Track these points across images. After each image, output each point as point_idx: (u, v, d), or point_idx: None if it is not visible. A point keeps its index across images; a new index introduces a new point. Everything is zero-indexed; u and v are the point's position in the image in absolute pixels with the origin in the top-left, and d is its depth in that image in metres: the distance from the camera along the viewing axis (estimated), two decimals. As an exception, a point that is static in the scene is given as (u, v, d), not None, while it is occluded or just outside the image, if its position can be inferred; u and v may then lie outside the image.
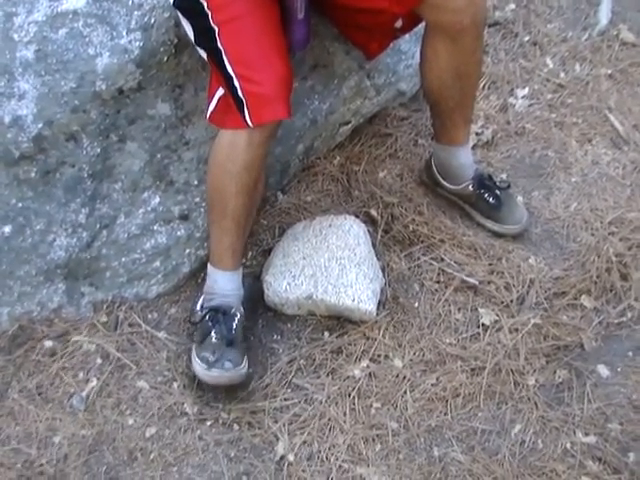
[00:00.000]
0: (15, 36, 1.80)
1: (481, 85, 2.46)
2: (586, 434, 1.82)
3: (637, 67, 2.57)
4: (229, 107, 1.74)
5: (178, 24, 1.84)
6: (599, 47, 2.62)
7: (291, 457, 1.78)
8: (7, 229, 1.89)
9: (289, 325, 2.00)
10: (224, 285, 1.90)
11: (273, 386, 1.89)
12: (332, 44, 2.14)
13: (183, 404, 1.86)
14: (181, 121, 1.99)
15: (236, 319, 1.86)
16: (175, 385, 1.89)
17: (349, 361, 1.93)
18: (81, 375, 1.90)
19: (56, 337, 1.95)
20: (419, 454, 1.80)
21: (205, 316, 1.87)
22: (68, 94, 1.81)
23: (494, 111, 2.45)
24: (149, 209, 2.01)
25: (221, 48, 1.71)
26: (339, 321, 2.00)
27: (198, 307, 1.93)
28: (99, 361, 1.92)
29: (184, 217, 2.05)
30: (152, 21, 1.84)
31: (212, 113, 1.82)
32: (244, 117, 1.71)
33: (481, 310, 2.02)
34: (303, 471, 1.77)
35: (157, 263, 2.04)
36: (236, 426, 1.84)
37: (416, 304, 2.04)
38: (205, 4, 1.71)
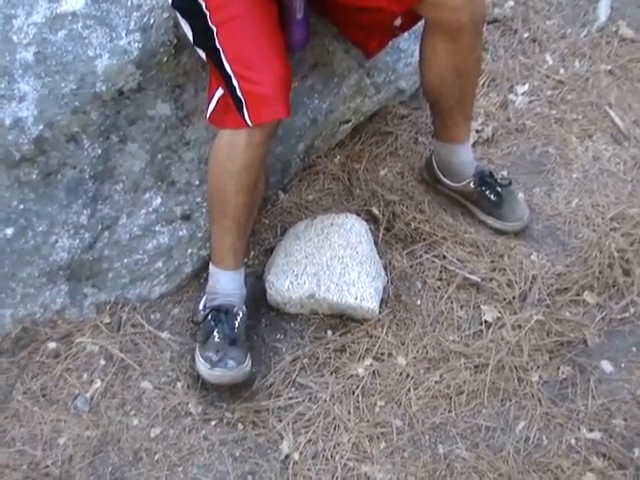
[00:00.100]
0: (15, 38, 1.80)
1: (481, 82, 2.46)
2: (590, 430, 1.82)
3: (636, 63, 2.57)
4: (228, 107, 1.74)
5: (177, 25, 1.84)
6: (598, 43, 2.62)
7: (296, 456, 1.79)
8: (9, 231, 1.89)
9: (292, 324, 2.01)
10: (226, 285, 1.90)
11: (277, 385, 1.89)
12: (332, 43, 2.14)
13: (187, 404, 1.86)
14: (181, 121, 1.99)
15: (238, 318, 1.86)
16: (179, 385, 1.89)
17: (352, 359, 1.93)
18: (85, 376, 1.90)
19: (59, 339, 1.95)
20: (424, 452, 1.80)
21: (207, 316, 1.87)
22: (68, 95, 1.82)
23: (494, 108, 2.45)
24: (151, 210, 2.01)
25: (220, 48, 1.71)
26: (342, 320, 2.00)
27: (201, 307, 1.93)
28: (103, 362, 1.92)
29: (186, 217, 2.05)
30: (151, 22, 1.84)
31: (212, 113, 1.82)
32: (243, 117, 1.71)
33: (484, 307, 2.02)
34: (308, 470, 1.77)
35: (159, 263, 2.04)
36: (241, 425, 1.84)
37: (418, 302, 2.04)
38: (203, 4, 1.71)
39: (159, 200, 2.01)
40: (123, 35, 1.83)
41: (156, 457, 1.79)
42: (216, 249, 1.91)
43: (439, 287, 2.06)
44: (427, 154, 2.27)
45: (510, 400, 1.87)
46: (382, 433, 1.82)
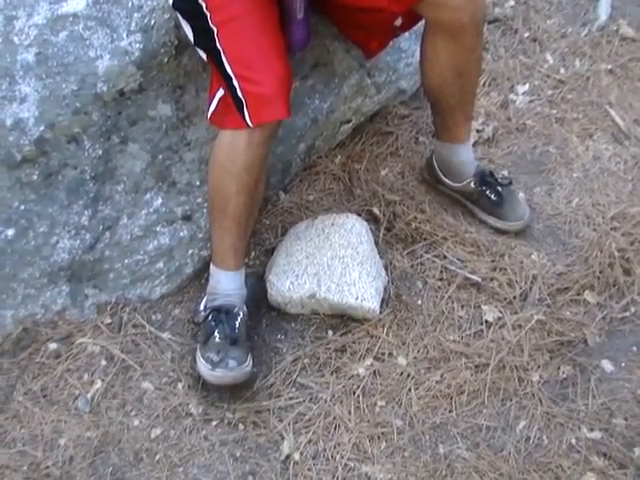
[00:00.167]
0: (16, 39, 1.80)
1: (481, 82, 2.46)
2: (591, 429, 1.82)
3: (637, 62, 2.57)
4: (229, 107, 1.74)
5: (178, 25, 1.85)
6: (599, 42, 2.62)
7: (297, 456, 1.79)
8: (10, 232, 1.89)
9: (293, 324, 2.01)
10: (227, 285, 1.90)
11: (278, 385, 1.89)
12: (332, 43, 2.14)
13: (188, 405, 1.86)
14: (182, 122, 1.99)
15: (239, 318, 1.87)
16: (180, 386, 1.90)
17: (353, 359, 1.93)
18: (86, 377, 1.90)
19: (60, 339, 1.95)
20: (424, 451, 1.80)
21: (208, 316, 1.87)
22: (69, 96, 1.82)
23: (495, 108, 2.45)
24: (152, 210, 2.01)
25: (220, 48, 1.71)
26: (343, 319, 2.00)
27: (201, 307, 1.93)
28: (104, 363, 1.92)
29: (187, 218, 2.05)
30: (152, 23, 1.85)
31: (212, 114, 1.82)
32: (244, 117, 1.71)
33: (484, 307, 2.02)
34: (309, 470, 1.77)
35: (160, 264, 2.04)
36: (241, 426, 1.84)
37: (419, 302, 2.04)
38: (204, 5, 1.71)
39: (160, 201, 2.02)
40: (124, 36, 1.83)
41: (157, 457, 1.79)
42: (216, 249, 1.91)
43: (440, 287, 2.07)
44: (428, 154, 2.27)
45: (511, 400, 1.88)
46: (383, 433, 1.82)
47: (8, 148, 1.82)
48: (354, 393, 1.88)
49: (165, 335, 1.98)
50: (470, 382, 1.89)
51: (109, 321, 1.99)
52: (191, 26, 1.78)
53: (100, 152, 1.91)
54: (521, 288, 2.05)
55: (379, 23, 1.94)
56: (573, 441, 1.80)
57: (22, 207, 1.89)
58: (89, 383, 1.89)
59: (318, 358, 1.94)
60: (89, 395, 1.87)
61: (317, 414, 1.84)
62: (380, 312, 1.99)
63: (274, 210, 2.20)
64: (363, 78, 2.25)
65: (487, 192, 2.16)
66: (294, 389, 1.89)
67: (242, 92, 1.70)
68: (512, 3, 2.72)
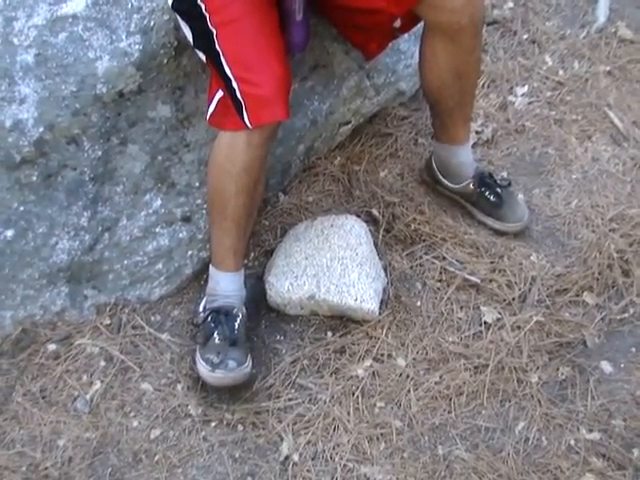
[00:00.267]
0: (15, 40, 1.80)
1: (480, 83, 2.46)
2: (590, 430, 1.82)
3: (636, 64, 2.57)
4: (228, 109, 1.74)
5: (177, 27, 1.85)
6: (597, 44, 2.62)
7: (296, 457, 1.79)
8: (9, 233, 1.89)
9: (292, 325, 2.01)
10: (226, 286, 1.90)
11: (277, 386, 1.89)
12: (331, 44, 2.14)
13: (187, 405, 1.86)
14: (182, 123, 1.99)
15: (238, 319, 1.87)
16: (179, 387, 1.90)
17: (352, 361, 1.93)
18: (85, 378, 1.90)
19: (59, 340, 1.95)
20: (423, 452, 1.81)
21: (207, 317, 1.87)
22: (69, 98, 1.82)
23: (494, 109, 2.45)
24: (151, 211, 2.01)
25: (219, 50, 1.72)
26: (342, 321, 2.00)
27: (200, 309, 1.93)
28: (103, 364, 1.92)
29: (186, 219, 2.05)
30: (151, 24, 1.85)
31: (212, 115, 1.82)
32: (243, 118, 1.71)
33: (483, 308, 2.03)
34: (308, 471, 1.77)
35: (159, 265, 2.04)
36: (240, 427, 1.84)
37: (418, 303, 2.04)
38: (203, 6, 1.71)
39: (159, 202, 2.02)
40: (123, 37, 1.83)
41: (156, 458, 1.79)
42: (216, 250, 1.91)
43: (439, 288, 2.07)
44: (427, 155, 2.28)
45: (510, 401, 1.88)
46: (382, 434, 1.82)
47: (7, 149, 1.82)
48: (353, 394, 1.88)
49: (164, 336, 1.98)
50: (469, 383, 1.89)
51: (108, 322, 1.99)
52: (190, 27, 1.78)
53: (99, 153, 1.91)
54: (520, 289, 2.05)
55: (378, 25, 1.94)
56: (572, 442, 1.80)
57: (21, 208, 1.89)
58: (88, 384, 1.89)
59: (317, 359, 1.94)
60: (88, 396, 1.87)
61: (316, 415, 1.84)
62: (379, 313, 1.99)
63: (273, 211, 2.20)
64: (362, 80, 2.25)
65: (486, 193, 2.16)
66: (293, 390, 1.89)
67: (241, 93, 1.71)
68: (511, 5, 2.72)
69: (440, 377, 1.91)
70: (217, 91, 1.79)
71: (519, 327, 1.98)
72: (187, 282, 2.08)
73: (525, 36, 2.65)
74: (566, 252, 2.14)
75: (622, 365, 1.94)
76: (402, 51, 2.31)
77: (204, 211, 2.04)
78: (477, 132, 2.38)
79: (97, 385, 1.89)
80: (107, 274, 2.01)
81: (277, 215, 2.19)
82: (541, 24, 2.67)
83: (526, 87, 2.51)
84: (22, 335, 1.95)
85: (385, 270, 2.07)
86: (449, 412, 1.86)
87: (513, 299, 2.03)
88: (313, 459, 1.78)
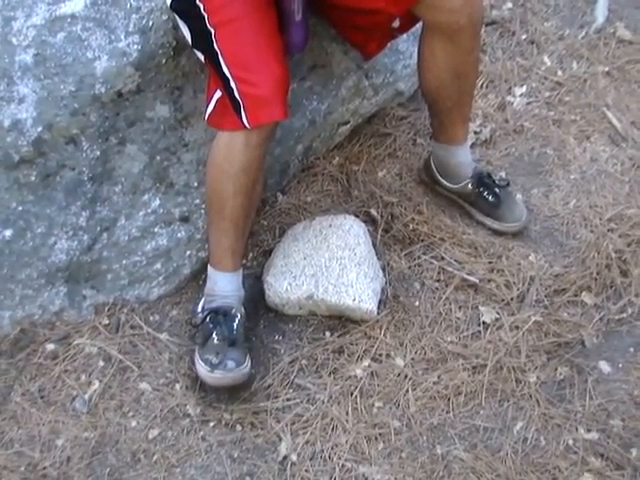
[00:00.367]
0: (14, 40, 1.80)
1: (479, 84, 2.46)
2: (588, 430, 1.82)
3: (634, 64, 2.57)
4: (226, 109, 1.74)
5: (176, 27, 1.85)
6: (596, 45, 2.62)
7: (294, 457, 1.79)
8: (8, 233, 1.89)
9: (290, 325, 2.01)
10: (224, 286, 1.90)
11: (275, 386, 1.89)
12: (330, 44, 2.14)
13: (186, 405, 1.86)
14: (180, 123, 1.99)
15: (237, 319, 1.87)
16: (177, 387, 1.90)
17: (351, 360, 1.94)
18: (83, 378, 1.90)
19: (58, 340, 1.95)
20: (422, 452, 1.81)
21: (206, 318, 1.87)
22: (67, 97, 1.82)
23: (492, 109, 2.45)
24: (149, 211, 2.01)
25: (218, 50, 1.72)
26: (340, 321, 2.00)
27: (199, 309, 1.93)
28: (101, 363, 1.92)
29: (184, 219, 2.05)
30: (150, 24, 1.85)
31: (210, 115, 1.82)
32: (241, 119, 1.71)
33: (482, 308, 2.03)
34: (306, 471, 1.77)
35: (158, 265, 2.04)
36: (239, 427, 1.84)
37: (417, 303, 2.04)
38: (202, 6, 1.71)
39: (158, 202, 2.02)
40: (122, 37, 1.83)
41: (154, 458, 1.79)
42: (214, 251, 1.91)
43: (437, 288, 2.07)
44: (425, 155, 2.28)
45: (508, 401, 1.88)
46: (380, 434, 1.82)
47: (6, 149, 1.82)
48: (352, 394, 1.88)
49: (163, 336, 1.98)
50: (467, 383, 1.89)
51: (107, 322, 1.99)
52: (189, 27, 1.78)
53: (98, 153, 1.91)
54: (518, 289, 2.05)
55: (377, 25, 1.94)
56: (570, 442, 1.81)
57: (20, 208, 1.89)
58: (87, 384, 1.89)
59: (316, 359, 1.94)
60: (86, 396, 1.87)
61: (315, 415, 1.85)
62: (378, 313, 1.99)
63: (272, 211, 2.20)
64: (361, 80, 2.25)
65: (485, 193, 2.16)
66: (292, 390, 1.89)
67: (239, 93, 1.71)
68: (510, 5, 2.73)
69: (438, 377, 1.91)
70: (215, 91, 1.79)
71: (517, 327, 1.98)
72: (185, 282, 2.08)
73: (524, 36, 2.65)
74: (564, 252, 2.14)
75: (620, 365, 1.94)
76: (401, 51, 2.31)
77: (202, 211, 2.04)
78: (476, 132, 2.38)
79: (95, 385, 1.89)
80: (106, 274, 2.01)
81: (276, 215, 2.19)
82: (540, 24, 2.67)
83: (525, 87, 2.52)
84: (21, 335, 1.95)
85: (383, 270, 2.07)
86: (447, 412, 1.86)
87: (511, 299, 2.04)
88: (311, 459, 1.78)
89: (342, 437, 1.81)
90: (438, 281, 2.08)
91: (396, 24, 1.95)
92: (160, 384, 1.90)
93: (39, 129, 1.82)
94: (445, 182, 2.20)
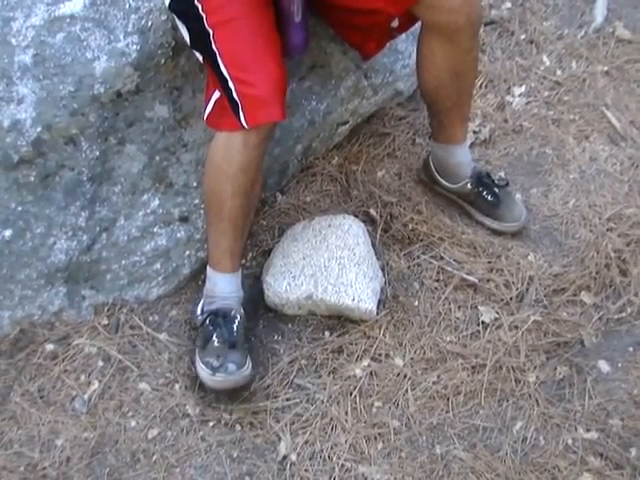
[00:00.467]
0: (13, 40, 1.80)
1: (478, 83, 2.46)
2: (587, 430, 1.82)
3: (633, 64, 2.57)
4: (225, 109, 1.74)
5: (175, 27, 1.85)
6: (595, 44, 2.62)
7: (293, 457, 1.79)
8: (7, 233, 1.89)
9: (290, 325, 2.01)
10: (223, 288, 1.90)
11: (275, 386, 1.89)
12: (329, 44, 2.14)
13: (185, 405, 1.87)
14: (179, 123, 1.99)
15: (237, 321, 1.87)
16: (177, 387, 1.90)
17: (350, 360, 1.94)
18: (83, 378, 1.90)
19: (57, 340, 1.95)
20: (421, 452, 1.81)
21: (205, 320, 1.87)
22: (66, 98, 1.82)
23: (491, 109, 2.45)
24: (149, 211, 2.01)
25: (216, 51, 1.72)
26: (340, 321, 2.00)
27: (198, 311, 1.93)
28: (101, 364, 1.92)
29: (184, 219, 2.05)
30: (149, 24, 1.85)
31: (209, 115, 1.82)
32: (239, 119, 1.71)
33: (481, 308, 2.03)
34: (306, 471, 1.77)
35: (157, 265, 2.04)
36: (238, 427, 1.84)
37: (416, 303, 2.04)
38: (200, 7, 1.71)
39: (157, 202, 2.02)
40: (121, 37, 1.84)
41: (154, 458, 1.79)
42: (213, 252, 1.91)
43: (436, 288, 2.07)
44: (424, 155, 2.28)
45: (507, 400, 1.88)
46: (379, 434, 1.83)
47: (5, 149, 1.82)
48: (351, 394, 1.88)
49: (162, 336, 1.98)
50: (467, 383, 1.89)
51: (106, 322, 1.99)
52: (187, 28, 1.78)
53: (97, 153, 1.91)
54: (518, 289, 2.05)
55: (376, 25, 1.94)
56: (570, 441, 1.81)
57: (19, 208, 1.89)
58: (86, 384, 1.89)
59: (315, 359, 1.94)
60: (86, 396, 1.87)
61: (314, 415, 1.85)
62: (377, 313, 1.99)
63: (271, 211, 2.20)
64: (360, 80, 2.25)
65: (484, 193, 2.16)
66: (291, 390, 1.89)
67: (237, 94, 1.71)
68: (509, 5, 2.73)
69: (438, 377, 1.91)
70: (214, 91, 1.79)
71: (517, 327, 1.98)
72: (185, 282, 2.08)
73: (523, 36, 2.65)
74: (564, 252, 2.14)
75: (620, 364, 1.94)
76: (400, 51, 2.31)
77: (202, 211, 2.04)
78: (475, 132, 2.38)
79: (95, 385, 1.89)
80: (105, 274, 2.01)
81: (275, 215, 2.19)
82: (539, 24, 2.67)
83: (524, 87, 2.52)
84: (20, 335, 1.95)
85: (383, 270, 2.07)
86: (447, 412, 1.86)
87: (511, 299, 2.04)
88: (311, 459, 1.79)
89: (341, 437, 1.82)
90: (437, 281, 2.08)
91: (395, 24, 1.95)
92: (159, 384, 1.90)
93: (38, 129, 1.82)
94: (444, 182, 2.20)
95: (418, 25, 1.99)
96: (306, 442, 1.81)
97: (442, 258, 2.11)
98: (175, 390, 1.89)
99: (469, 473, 1.76)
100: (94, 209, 1.96)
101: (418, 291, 2.06)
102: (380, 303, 2.01)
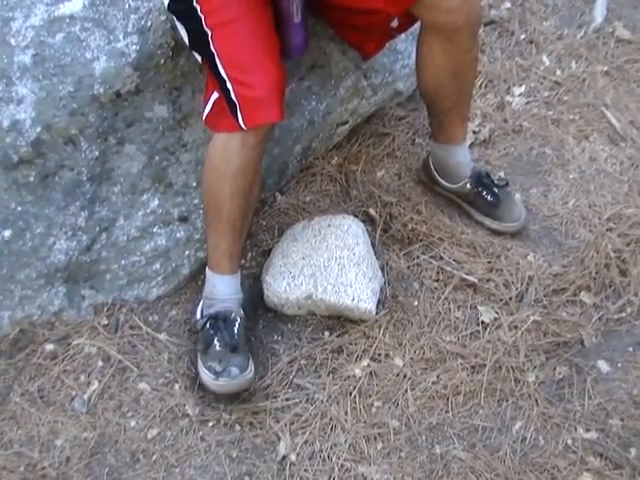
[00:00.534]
0: (12, 41, 1.80)
1: (478, 83, 2.46)
2: (587, 430, 1.82)
3: (633, 64, 2.57)
4: (223, 110, 1.74)
5: (174, 27, 1.85)
6: (595, 44, 2.62)
7: (293, 457, 1.79)
8: (7, 233, 1.89)
9: (289, 325, 2.01)
10: (223, 290, 1.90)
11: (274, 386, 1.90)
12: (329, 45, 2.14)
13: (185, 405, 1.87)
14: (179, 123, 1.99)
15: (237, 324, 1.86)
16: (176, 387, 1.90)
17: (350, 360, 1.94)
18: (82, 378, 1.90)
19: (57, 340, 1.96)
20: (421, 452, 1.81)
21: (206, 324, 1.87)
22: (66, 98, 1.82)
23: (491, 109, 2.45)
24: (148, 211, 2.01)
25: (214, 52, 1.72)
26: (339, 321, 2.00)
27: (198, 314, 1.93)
28: (100, 364, 1.92)
29: (183, 219, 2.05)
30: (149, 24, 1.85)
31: (207, 116, 1.82)
32: (237, 120, 1.71)
33: (481, 308, 2.03)
34: (305, 470, 1.77)
35: (157, 265, 2.04)
36: (238, 427, 1.84)
37: (416, 303, 2.04)
38: (198, 8, 1.71)
39: (156, 202, 2.02)
40: (121, 37, 1.84)
41: (153, 458, 1.79)
42: (212, 254, 1.91)
43: (436, 288, 2.07)
44: (424, 155, 2.28)
45: (507, 400, 1.88)
46: (379, 434, 1.83)
47: (5, 149, 1.82)
48: (350, 394, 1.88)
49: (162, 336, 1.98)
50: (466, 383, 1.89)
51: (106, 322, 1.99)
52: (186, 29, 1.78)
53: (97, 153, 1.91)
54: (517, 289, 2.05)
55: (375, 25, 1.94)
56: (569, 441, 1.81)
57: (19, 208, 1.89)
58: (86, 384, 1.89)
59: (314, 359, 1.94)
60: (86, 396, 1.87)
61: (313, 415, 1.85)
62: (376, 313, 1.99)
63: (271, 211, 2.20)
64: (359, 80, 2.25)
65: (483, 193, 2.16)
66: (290, 390, 1.89)
67: (235, 95, 1.71)
68: (508, 5, 2.73)
69: (437, 377, 1.91)
70: (213, 92, 1.79)
71: (516, 327, 1.98)
72: (184, 282, 2.08)
73: (522, 36, 2.65)
74: (563, 252, 2.14)
75: (619, 364, 1.94)
76: (399, 51, 2.31)
77: (201, 211, 2.04)
78: (474, 132, 2.38)
79: (95, 385, 1.89)
80: (104, 274, 2.01)
81: (274, 215, 2.19)
82: (538, 24, 2.67)
83: (523, 87, 2.52)
84: (20, 335, 1.95)
85: (382, 270, 2.08)
86: (446, 412, 1.86)
87: (510, 299, 2.04)
88: (310, 459, 1.79)
89: (341, 437, 1.82)
90: (437, 281, 2.08)
91: (394, 24, 1.95)
92: (159, 384, 1.90)
93: (38, 129, 1.82)
94: (444, 182, 2.20)
95: (418, 25, 1.99)
96: (306, 442, 1.81)
97: (442, 258, 2.11)
98: (175, 390, 1.89)
99: (469, 473, 1.76)
100: (94, 209, 1.96)
101: (418, 291, 2.07)
102: (380, 303, 2.01)
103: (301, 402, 1.87)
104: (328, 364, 1.93)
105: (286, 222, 2.17)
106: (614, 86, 2.52)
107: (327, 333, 1.99)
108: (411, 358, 1.94)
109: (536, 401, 1.87)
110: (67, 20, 1.82)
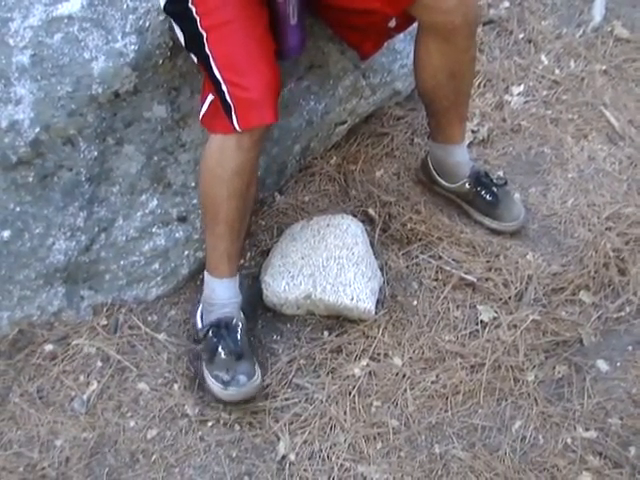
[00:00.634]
0: (11, 41, 1.80)
1: (476, 83, 2.46)
2: (586, 429, 1.82)
3: (631, 63, 2.57)
4: (218, 111, 1.74)
5: (172, 27, 1.85)
6: (593, 43, 2.62)
7: (292, 456, 1.79)
8: (6, 234, 1.89)
9: (288, 325, 2.01)
10: (222, 294, 1.89)
11: (273, 386, 1.90)
12: (327, 44, 2.14)
13: (184, 405, 1.87)
14: (177, 123, 1.99)
15: (239, 329, 1.86)
16: (176, 387, 1.90)
17: (349, 360, 1.94)
18: (82, 378, 1.90)
19: (56, 341, 1.96)
20: (420, 451, 1.81)
21: (208, 332, 1.86)
22: (64, 98, 1.82)
23: (490, 109, 2.45)
24: (147, 211, 2.01)
25: (209, 53, 1.71)
26: (338, 320, 2.00)
27: (198, 320, 1.92)
28: (99, 364, 1.92)
29: (182, 219, 2.05)
30: (147, 24, 1.85)
31: (203, 116, 1.83)
32: (232, 122, 1.71)
33: (480, 307, 2.03)
34: (305, 470, 1.77)
35: (156, 265, 2.04)
36: (237, 426, 1.84)
37: (415, 302, 2.04)
38: (194, 9, 1.71)
39: (155, 202, 2.02)
40: (119, 38, 1.84)
41: (153, 458, 1.79)
42: (210, 256, 1.90)
43: (435, 287, 2.07)
44: (423, 155, 2.28)
45: (506, 400, 1.88)
46: (378, 433, 1.83)
47: (3, 150, 1.82)
48: (350, 393, 1.88)
49: (161, 336, 1.98)
50: (466, 382, 1.89)
51: (105, 322, 1.99)
52: (182, 30, 1.78)
53: (95, 154, 1.91)
54: (516, 288, 2.05)
55: (373, 25, 1.94)
56: (569, 441, 1.81)
57: (17, 209, 1.89)
58: (85, 384, 1.89)
59: (314, 359, 1.94)
60: (85, 396, 1.87)
61: (313, 414, 1.85)
62: (376, 313, 1.99)
63: (269, 211, 2.20)
64: (358, 79, 2.25)
65: (482, 193, 2.16)
66: (290, 390, 1.89)
67: (230, 97, 1.71)
68: (507, 4, 2.73)
69: (437, 376, 1.91)
70: (209, 93, 1.79)
71: (515, 326, 1.98)
72: (184, 282, 2.09)
73: (521, 35, 2.65)
74: (562, 251, 2.14)
75: (618, 364, 1.94)
76: (398, 51, 2.31)
77: (200, 211, 2.04)
78: (473, 131, 2.38)
79: (94, 385, 1.89)
80: (104, 274, 2.01)
81: (273, 215, 2.19)
82: (537, 23, 2.67)
83: (522, 86, 2.52)
84: (19, 336, 1.95)
85: (381, 269, 2.08)
86: (446, 411, 1.86)
87: (509, 298, 2.04)
88: (310, 458, 1.79)
89: (340, 436, 1.82)
90: (436, 280, 2.08)
91: (392, 24, 1.95)
92: (158, 384, 1.90)
93: (36, 130, 1.82)
94: (443, 181, 2.20)
95: (416, 25, 1.99)
96: (305, 442, 1.81)
97: (441, 257, 2.11)
98: (174, 390, 1.89)
99: (468, 472, 1.76)
100: (92, 209, 1.96)
101: (417, 290, 2.07)
102: (379, 303, 2.01)
103: (300, 402, 1.87)
104: (327, 364, 1.93)
105: (285, 222, 2.17)
106: (613, 85, 2.52)
107: (326, 333, 1.99)
108: (410, 358, 1.94)
109: (535, 400, 1.87)
110: (65, 20, 1.82)
